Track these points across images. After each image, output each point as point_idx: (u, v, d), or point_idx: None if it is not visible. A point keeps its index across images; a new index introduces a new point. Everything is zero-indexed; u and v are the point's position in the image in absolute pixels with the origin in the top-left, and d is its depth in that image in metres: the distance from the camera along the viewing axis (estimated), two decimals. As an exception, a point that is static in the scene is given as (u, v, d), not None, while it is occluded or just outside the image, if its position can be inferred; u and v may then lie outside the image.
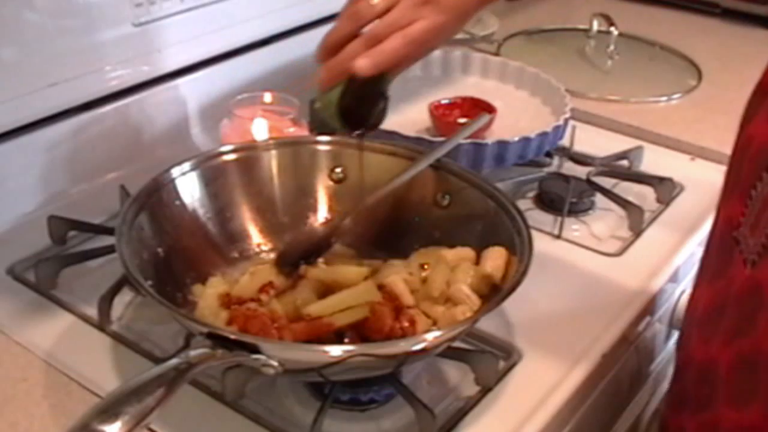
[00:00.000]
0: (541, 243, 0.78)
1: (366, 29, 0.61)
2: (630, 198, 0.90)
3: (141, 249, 0.66)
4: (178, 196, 0.72)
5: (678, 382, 0.67)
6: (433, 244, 0.73)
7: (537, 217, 0.88)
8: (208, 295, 0.67)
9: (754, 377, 0.52)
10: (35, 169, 0.86)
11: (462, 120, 0.96)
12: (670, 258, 0.83)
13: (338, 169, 0.79)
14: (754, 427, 0.52)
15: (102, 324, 0.70)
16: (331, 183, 0.79)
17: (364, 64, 0.59)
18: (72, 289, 0.75)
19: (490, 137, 0.90)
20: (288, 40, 1.07)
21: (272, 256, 0.75)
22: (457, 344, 0.65)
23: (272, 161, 0.78)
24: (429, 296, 0.67)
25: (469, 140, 0.86)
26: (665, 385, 0.90)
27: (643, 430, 0.86)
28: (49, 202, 0.86)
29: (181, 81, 0.97)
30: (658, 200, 0.93)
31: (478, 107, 0.97)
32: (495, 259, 0.67)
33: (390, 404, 0.65)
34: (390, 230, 0.76)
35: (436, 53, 1.09)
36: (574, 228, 0.88)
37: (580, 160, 0.98)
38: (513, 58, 1.10)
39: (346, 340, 0.63)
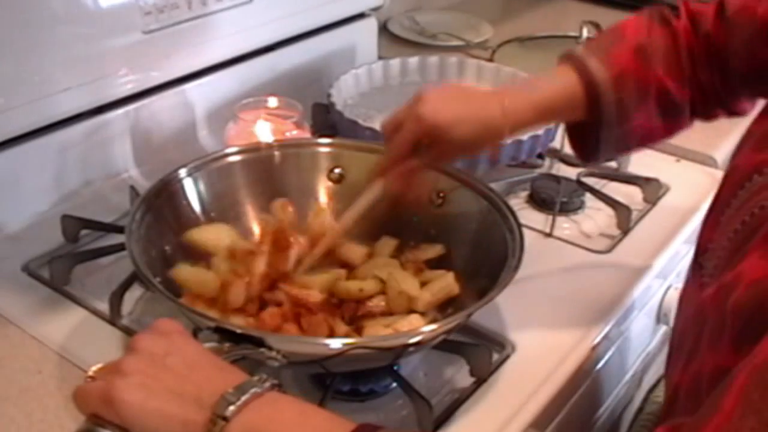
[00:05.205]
0: (533, 241, 0.81)
1: None
2: (618, 198, 0.91)
3: (149, 247, 0.68)
4: (184, 196, 0.74)
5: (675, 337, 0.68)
6: (428, 242, 0.76)
7: (529, 216, 0.90)
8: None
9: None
10: (49, 170, 0.87)
11: None
12: (657, 255, 0.85)
13: (337, 170, 0.81)
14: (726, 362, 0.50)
15: (113, 318, 0.72)
16: (330, 183, 0.81)
17: None
18: (84, 285, 0.77)
19: (485, 140, 0.93)
20: (291, 47, 1.08)
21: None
22: (452, 337, 0.67)
23: (275, 162, 0.80)
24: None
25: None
26: (651, 376, 0.92)
27: (629, 422, 0.88)
28: (63, 202, 0.88)
29: (188, 86, 0.98)
30: (645, 200, 0.94)
31: None
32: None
33: (388, 395, 0.67)
34: (389, 228, 0.78)
35: (433, 59, 1.12)
36: (564, 226, 0.90)
37: (570, 161, 0.99)
38: (506, 64, 1.11)
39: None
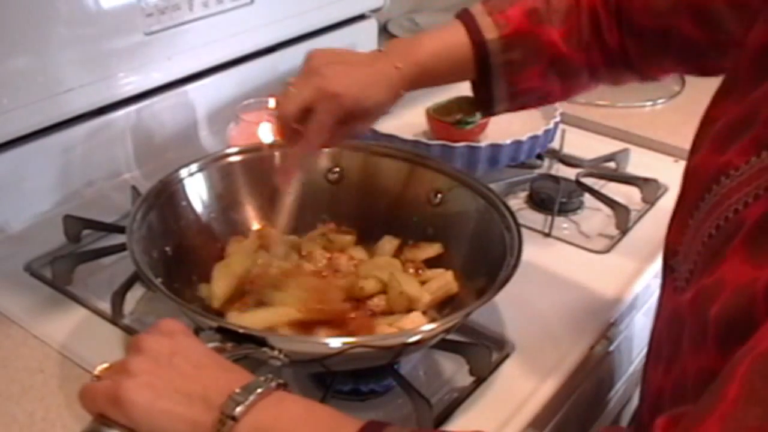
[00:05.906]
0: (532, 241, 0.81)
1: None
2: (617, 198, 0.91)
3: (150, 247, 0.68)
4: (185, 197, 0.75)
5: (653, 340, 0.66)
6: (427, 241, 0.77)
7: (528, 216, 0.91)
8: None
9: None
10: (51, 170, 0.88)
11: (458, 116, 0.97)
12: (655, 255, 0.84)
13: (336, 170, 0.81)
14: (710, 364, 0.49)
15: (115, 318, 0.73)
16: (327, 184, 0.81)
17: None
18: (86, 285, 0.77)
19: (484, 140, 0.93)
20: (292, 48, 1.09)
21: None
22: (452, 337, 0.67)
23: (275, 163, 0.79)
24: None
25: (463, 143, 0.89)
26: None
27: (628, 420, 0.88)
28: (65, 202, 0.88)
29: (190, 87, 0.98)
30: (644, 200, 0.95)
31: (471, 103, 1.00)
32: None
33: (389, 395, 0.67)
34: (388, 227, 0.79)
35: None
36: (563, 227, 0.90)
37: (569, 161, 1.00)
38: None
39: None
